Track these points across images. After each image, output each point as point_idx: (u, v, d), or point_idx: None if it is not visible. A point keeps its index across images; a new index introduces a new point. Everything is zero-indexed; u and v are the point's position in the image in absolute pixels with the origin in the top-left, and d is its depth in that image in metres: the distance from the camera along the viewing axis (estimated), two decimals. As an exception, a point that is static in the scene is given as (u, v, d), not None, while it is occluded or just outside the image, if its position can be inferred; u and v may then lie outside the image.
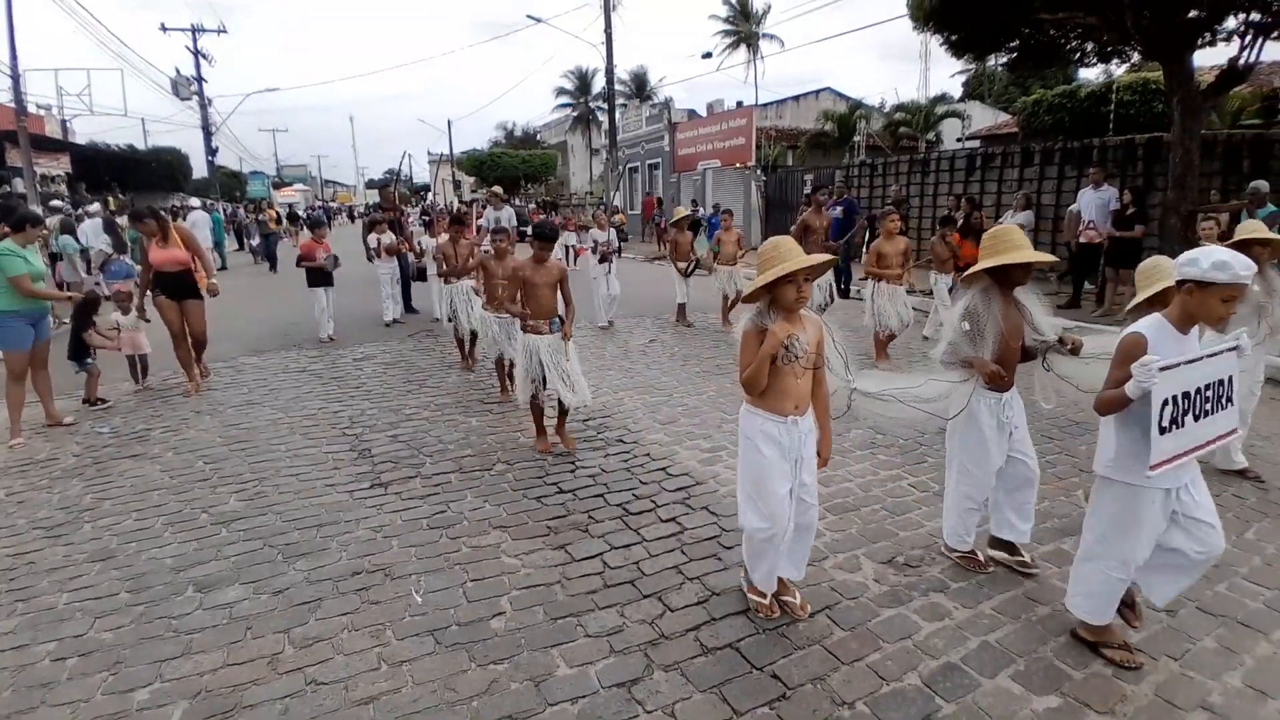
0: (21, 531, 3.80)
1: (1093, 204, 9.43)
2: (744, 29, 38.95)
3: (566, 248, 15.06)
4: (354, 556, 3.43)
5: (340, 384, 6.70)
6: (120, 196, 16.91)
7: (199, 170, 31.71)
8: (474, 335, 6.83)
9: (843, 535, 3.53)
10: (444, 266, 7.01)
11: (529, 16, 22.66)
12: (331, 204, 61.26)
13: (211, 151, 26.73)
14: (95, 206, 13.13)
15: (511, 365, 5.53)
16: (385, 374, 7.03)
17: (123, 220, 12.55)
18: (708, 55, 28.60)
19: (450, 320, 6.86)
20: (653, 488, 4.17)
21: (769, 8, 38.21)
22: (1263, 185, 8.00)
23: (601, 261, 9.34)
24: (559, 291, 4.64)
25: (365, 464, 4.65)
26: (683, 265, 9.32)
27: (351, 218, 48.00)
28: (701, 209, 21.40)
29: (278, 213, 23.29)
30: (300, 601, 3.06)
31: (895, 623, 2.80)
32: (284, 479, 4.44)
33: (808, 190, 15.12)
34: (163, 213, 6.76)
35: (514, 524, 3.74)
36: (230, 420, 5.64)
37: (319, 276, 8.55)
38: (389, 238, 9.65)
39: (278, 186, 52.70)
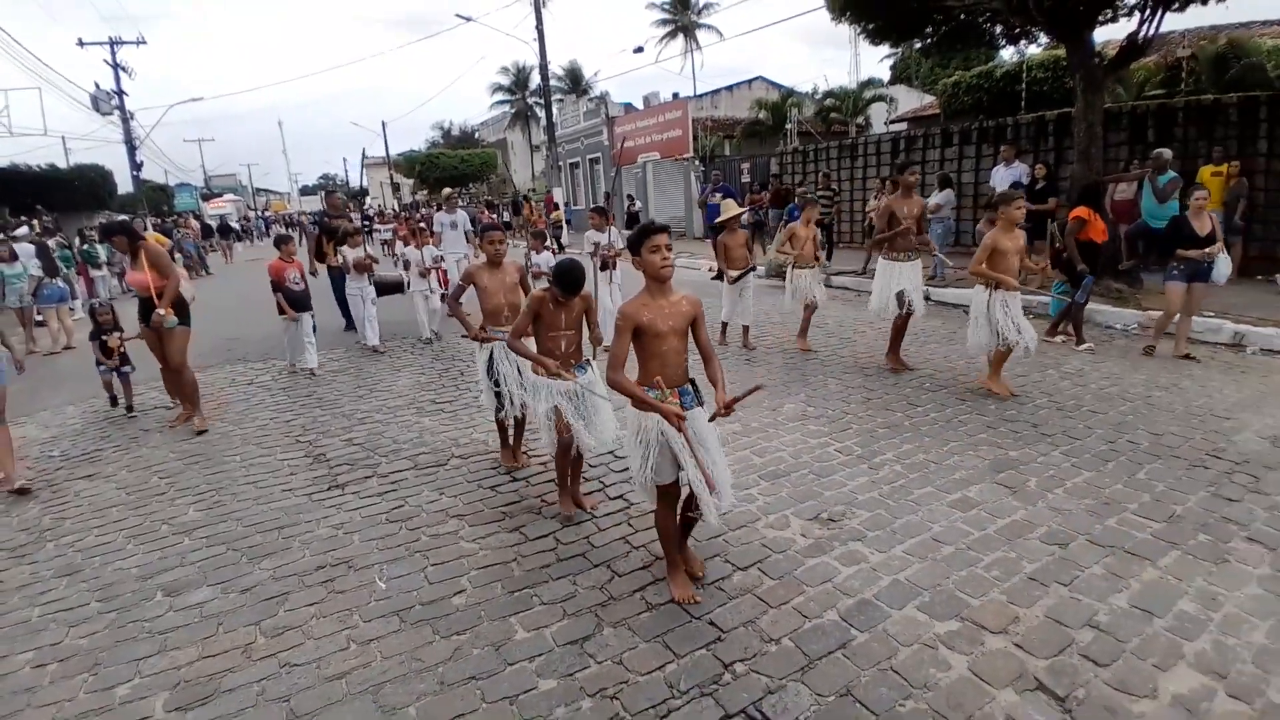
0: (-17, 555, 3.86)
1: (1005, 180, 10.02)
2: (683, 19, 39.36)
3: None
4: (317, 553, 3.60)
5: (289, 394, 6.77)
6: (45, 218, 16.35)
7: (124, 186, 30.72)
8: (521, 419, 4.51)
9: (774, 499, 3.84)
10: (482, 309, 4.29)
11: (458, 15, 22.58)
12: (267, 213, 59.65)
13: (136, 166, 25.94)
14: (23, 230, 12.73)
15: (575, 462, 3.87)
16: (335, 381, 7.11)
17: (52, 242, 12.22)
18: (639, 49, 28.88)
19: (495, 388, 4.27)
20: (601, 470, 4.42)
21: (704, 4, 38.73)
22: (1165, 152, 8.60)
23: (604, 269, 7.63)
24: (693, 342, 2.91)
25: (321, 468, 4.79)
26: (734, 273, 7.30)
27: (289, 226, 46.89)
28: (640, 203, 21.66)
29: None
30: (268, 597, 3.23)
31: (818, 570, 3.13)
32: (241, 488, 4.55)
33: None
34: (137, 228, 6.23)
35: (470, 512, 3.96)
36: (181, 435, 5.69)
37: (296, 301, 7.39)
38: (360, 252, 8.50)
39: (207, 198, 51.08)
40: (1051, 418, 4.91)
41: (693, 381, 2.90)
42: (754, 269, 7.58)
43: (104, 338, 6.39)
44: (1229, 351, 6.52)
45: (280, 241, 7.83)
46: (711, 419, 2.83)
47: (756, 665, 2.55)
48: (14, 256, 9.87)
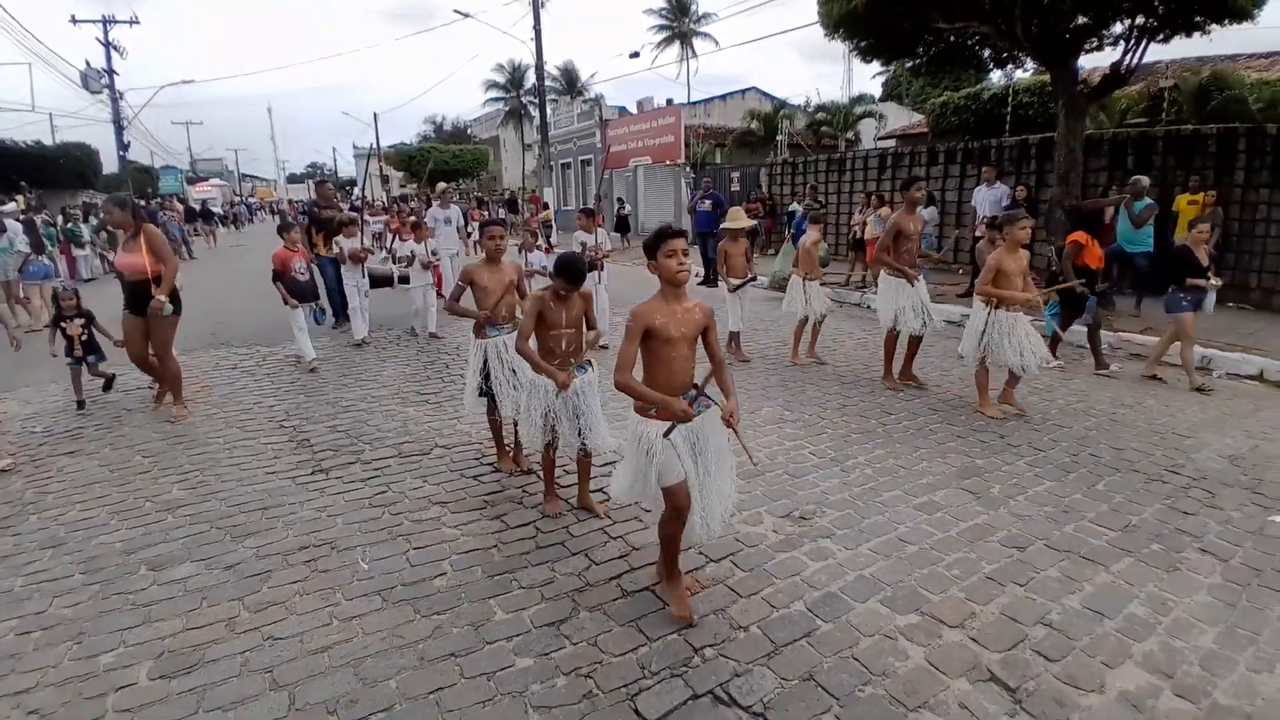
0: (-35, 526, 3.88)
1: (987, 200, 10.25)
2: (680, 26, 39.60)
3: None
4: (300, 534, 3.67)
5: (273, 380, 6.80)
6: (29, 195, 16.16)
7: (110, 166, 30.35)
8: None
9: (748, 496, 3.96)
10: (479, 306, 4.23)
11: (456, 11, 22.61)
12: (251, 199, 59.18)
13: (123, 146, 25.70)
14: (11, 206, 12.60)
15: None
16: (320, 368, 7.13)
17: (38, 219, 12.12)
18: (635, 55, 29.24)
19: (483, 392, 4.27)
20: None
21: (702, 14, 39.11)
22: (1143, 180, 8.86)
23: (591, 269, 7.15)
24: (702, 345, 2.84)
25: (305, 453, 4.85)
26: (734, 282, 7.05)
27: (274, 213, 46.56)
28: (629, 206, 21.78)
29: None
30: (251, 574, 3.29)
31: (787, 563, 3.25)
32: (224, 469, 4.60)
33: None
34: (140, 206, 5.65)
35: (453, 500, 4.04)
36: (164, 415, 5.71)
37: (300, 292, 7.14)
38: (355, 242, 8.36)
39: (192, 182, 50.63)
40: (1018, 429, 5.07)
41: (697, 386, 2.77)
42: (754, 279, 7.41)
43: (63, 324, 5.90)
44: (1196, 374, 6.72)
45: (284, 229, 7.47)
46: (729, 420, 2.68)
47: (725, 650, 2.66)
48: (2, 229, 9.79)
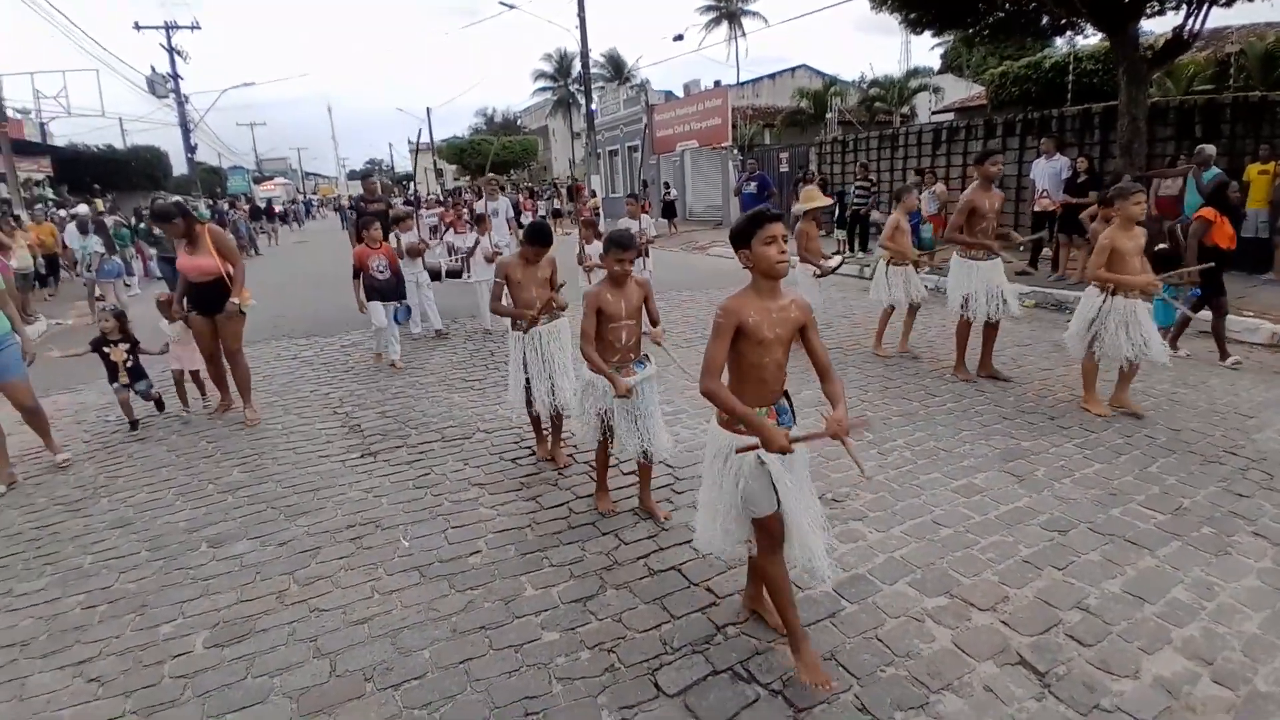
0: (43, 508, 4.18)
1: (1045, 173, 9.85)
2: (728, 5, 39.07)
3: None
4: (348, 513, 3.85)
5: (329, 369, 7.07)
6: (104, 198, 17.09)
7: (179, 168, 31.78)
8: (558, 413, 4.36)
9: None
10: (515, 302, 4.18)
11: (501, 2, 22.77)
12: (314, 196, 61.10)
13: (191, 149, 26.83)
14: (83, 209, 13.36)
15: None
16: (371, 358, 7.38)
17: (110, 220, 12.85)
18: (679, 37, 28.93)
19: (526, 384, 4.27)
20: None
21: (755, -12, 38.49)
22: (1209, 149, 8.41)
23: (637, 255, 7.82)
24: (805, 345, 2.46)
25: (355, 437, 5.05)
26: (828, 265, 6.54)
27: (335, 209, 47.93)
28: (675, 192, 21.66)
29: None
30: (302, 550, 3.48)
31: (815, 544, 3.23)
32: (281, 452, 4.84)
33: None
34: (192, 211, 5.65)
35: (491, 482, 4.17)
36: (232, 419, 5.97)
37: (380, 290, 7.01)
38: (412, 236, 8.23)
39: (258, 181, 52.55)
40: (1069, 411, 4.92)
41: (786, 394, 2.51)
42: (842, 264, 6.83)
43: (105, 349, 5.48)
44: (1265, 351, 6.40)
45: (364, 226, 7.24)
46: (800, 439, 2.28)
47: (747, 629, 2.70)
48: (86, 230, 10.44)
